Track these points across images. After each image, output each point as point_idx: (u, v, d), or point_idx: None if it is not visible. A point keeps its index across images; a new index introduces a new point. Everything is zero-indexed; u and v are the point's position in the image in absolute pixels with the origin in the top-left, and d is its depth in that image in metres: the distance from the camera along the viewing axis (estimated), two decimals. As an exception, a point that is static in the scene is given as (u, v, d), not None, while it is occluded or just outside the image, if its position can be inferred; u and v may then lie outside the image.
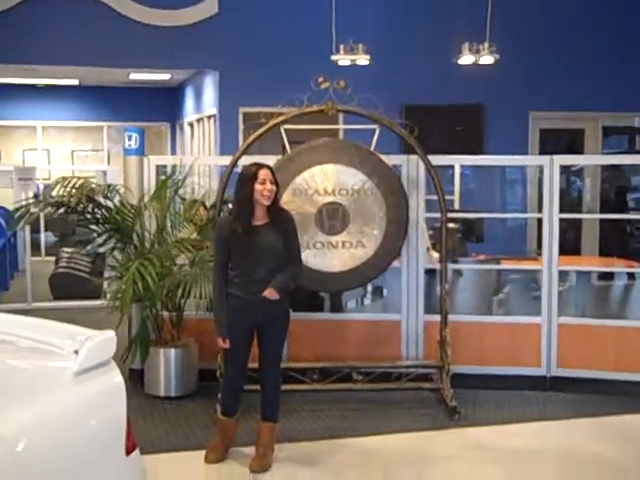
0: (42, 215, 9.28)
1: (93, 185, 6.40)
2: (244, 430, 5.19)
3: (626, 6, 10.91)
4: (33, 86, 13.79)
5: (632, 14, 10.94)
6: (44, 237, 13.25)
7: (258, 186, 4.67)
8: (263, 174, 4.71)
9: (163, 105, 14.55)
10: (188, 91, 13.31)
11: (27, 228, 9.85)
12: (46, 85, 13.79)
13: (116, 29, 10.22)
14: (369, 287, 7.69)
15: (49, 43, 10.20)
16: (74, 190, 6.11)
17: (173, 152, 14.74)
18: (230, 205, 6.63)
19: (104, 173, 10.54)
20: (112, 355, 2.98)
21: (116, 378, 2.93)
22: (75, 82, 13.51)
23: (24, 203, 6.64)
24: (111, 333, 2.98)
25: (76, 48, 10.28)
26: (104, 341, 2.93)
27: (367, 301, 8.33)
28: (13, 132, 15.18)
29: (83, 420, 2.76)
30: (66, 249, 10.84)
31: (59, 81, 13.39)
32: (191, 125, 12.93)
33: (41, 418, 2.58)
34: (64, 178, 6.26)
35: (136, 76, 12.38)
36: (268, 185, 4.70)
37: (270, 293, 4.73)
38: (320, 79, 5.91)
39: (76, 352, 2.83)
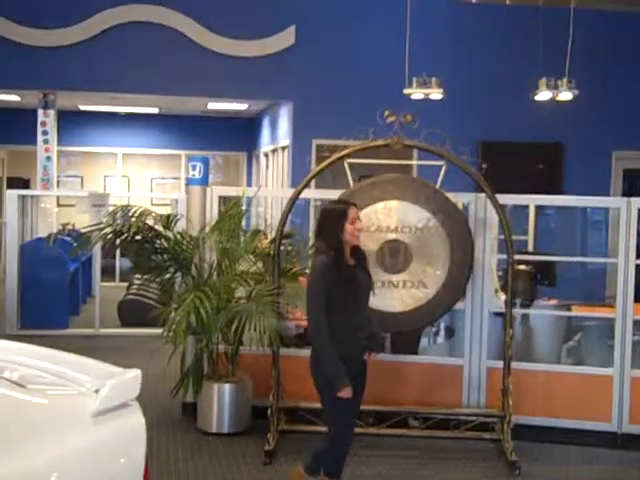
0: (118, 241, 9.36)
1: (153, 214, 6.35)
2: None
3: None
4: (115, 114, 14.03)
5: None
6: (119, 263, 13.36)
7: (348, 226, 4.43)
8: (353, 213, 4.48)
9: (241, 135, 14.62)
10: (265, 121, 13.34)
11: (98, 253, 9.95)
12: (127, 113, 14.00)
13: (195, 59, 10.31)
14: (441, 325, 7.46)
15: (131, 72, 10.35)
16: (134, 219, 6.07)
17: (249, 182, 14.77)
18: (290, 238, 6.56)
19: (176, 201, 10.56)
20: (136, 396, 2.84)
21: (138, 420, 2.78)
22: (155, 110, 13.70)
23: (86, 230, 6.64)
24: (136, 372, 2.84)
25: (157, 77, 10.41)
26: (128, 381, 2.79)
27: (440, 339, 8.09)
28: (96, 159, 15.45)
29: (97, 465, 2.61)
30: (138, 276, 10.89)
31: (140, 109, 13.58)
32: (266, 155, 12.92)
33: (51, 463, 2.44)
34: (123, 206, 6.23)
35: (214, 105, 12.47)
36: (358, 224, 4.50)
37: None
38: (386, 113, 5.75)
39: (97, 391, 2.70)
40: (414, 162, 9.33)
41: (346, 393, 4.35)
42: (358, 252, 4.58)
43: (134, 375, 2.82)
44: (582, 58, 8.74)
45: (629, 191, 10.67)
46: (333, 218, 4.48)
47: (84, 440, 2.59)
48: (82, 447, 2.57)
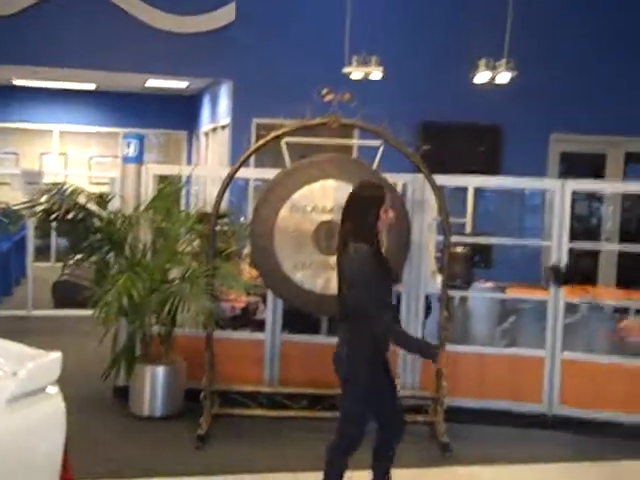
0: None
1: (85, 192, 6.19)
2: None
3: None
4: (51, 89, 13.68)
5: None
6: (55, 242, 13.07)
7: (383, 214, 4.15)
8: (387, 200, 4.19)
9: (181, 113, 14.39)
10: (205, 100, 13.15)
11: (30, 233, 9.71)
12: (64, 89, 13.67)
13: (132, 34, 10.07)
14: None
15: (67, 45, 10.07)
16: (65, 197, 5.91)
17: (189, 161, 14.58)
18: (226, 218, 6.47)
19: (113, 180, 10.36)
20: (55, 379, 2.74)
21: (57, 405, 2.69)
22: (92, 87, 13.39)
23: (17, 207, 6.45)
24: (56, 355, 2.74)
25: (93, 52, 10.14)
26: (47, 363, 2.69)
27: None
28: (31, 135, 15.07)
29: (13, 452, 2.51)
30: (72, 255, 10.66)
31: (76, 85, 13.27)
32: (206, 134, 12.76)
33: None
34: (56, 184, 6.06)
35: (153, 83, 12.24)
36: (390, 213, 4.21)
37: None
38: (324, 91, 5.67)
39: (14, 374, 2.59)
40: (354, 142, 9.28)
41: (443, 358, 4.21)
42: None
43: (54, 358, 2.72)
44: (521, 40, 8.74)
45: (566, 174, 10.77)
46: (371, 204, 4.14)
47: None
48: (-4, 434, 2.48)
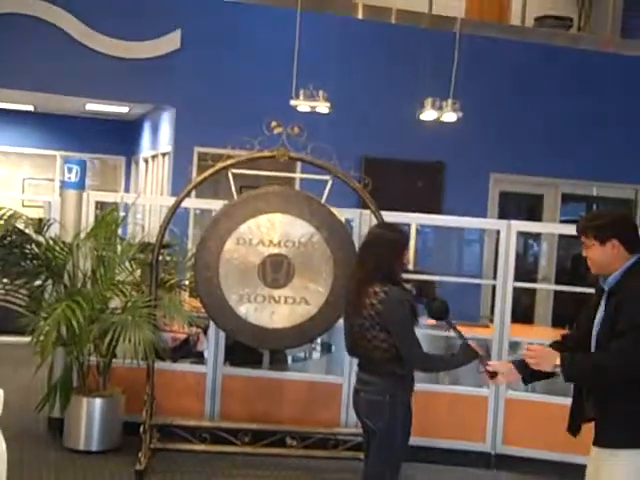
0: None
1: (23, 217, 6.00)
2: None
3: (591, 75, 10.87)
4: (-14, 109, 13.34)
5: (598, 83, 10.89)
6: (-16, 266, 12.67)
7: (403, 257, 4.16)
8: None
9: (120, 139, 14.14)
10: (146, 126, 12.97)
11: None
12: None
13: (74, 57, 9.86)
14: (318, 340, 7.39)
15: (5, 66, 9.82)
16: (2, 222, 5.72)
17: (127, 188, 14.34)
18: (169, 248, 6.35)
19: (49, 204, 10.12)
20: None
21: (-2, 447, 2.54)
22: (30, 108, 13.10)
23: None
24: (-3, 393, 2.59)
25: (31, 73, 9.92)
26: (-12, 403, 2.54)
27: (316, 354, 8.02)
28: (-37, 155, 14.67)
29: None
30: (5, 280, 10.34)
31: (13, 106, 12.96)
32: (146, 161, 12.57)
33: None
34: (-10, 209, 5.87)
35: (93, 107, 12.03)
36: (408, 256, 4.24)
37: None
38: (273, 124, 5.63)
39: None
40: (297, 175, 9.25)
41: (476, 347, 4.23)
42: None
43: (-4, 396, 2.58)
44: (466, 81, 8.87)
45: (502, 213, 10.93)
46: (395, 246, 4.11)
47: None
48: None
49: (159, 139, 11.47)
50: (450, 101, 8.05)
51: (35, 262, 6.00)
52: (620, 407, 3.38)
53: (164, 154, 10.87)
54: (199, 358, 6.67)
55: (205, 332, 6.36)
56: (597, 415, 3.49)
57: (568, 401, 5.92)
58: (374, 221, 5.90)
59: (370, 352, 4.00)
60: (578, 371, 3.42)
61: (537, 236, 11.39)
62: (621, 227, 3.50)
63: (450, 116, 8.16)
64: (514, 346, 6.31)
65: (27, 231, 6.02)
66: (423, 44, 9.62)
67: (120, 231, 6.40)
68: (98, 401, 5.81)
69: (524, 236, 11.33)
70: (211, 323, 5.97)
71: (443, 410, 6.04)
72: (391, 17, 10.87)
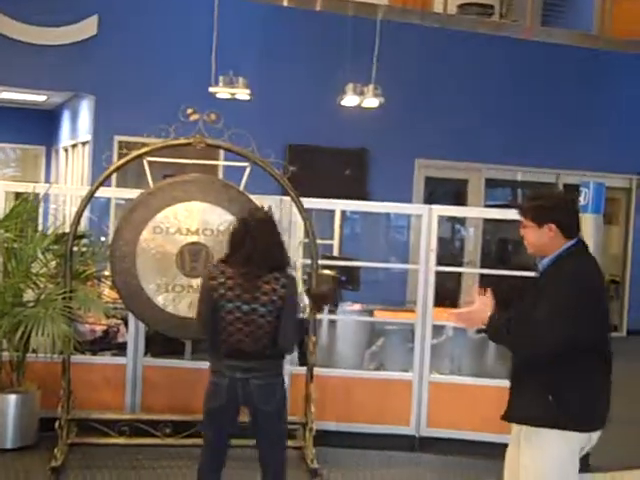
0: None
1: None
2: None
3: (514, 56, 11.00)
4: None
5: (519, 64, 11.02)
6: None
7: None
8: None
9: (39, 127, 13.77)
10: (65, 115, 12.66)
11: None
12: None
13: (-13, 44, 9.58)
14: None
15: None
16: None
17: (48, 178, 13.99)
18: (85, 239, 6.18)
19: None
20: None
21: None
22: (-60, 97, 12.66)
23: None
24: None
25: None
26: None
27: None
28: None
29: None
30: None
31: None
32: (66, 150, 12.27)
33: None
34: None
35: (8, 95, 11.67)
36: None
37: None
38: (189, 110, 5.51)
39: None
40: (220, 163, 9.12)
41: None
42: None
43: None
44: (388, 67, 8.87)
45: (429, 198, 11.00)
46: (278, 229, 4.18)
47: None
48: None
49: (78, 128, 11.21)
50: (371, 86, 8.03)
51: (-58, 255, 5.76)
52: (531, 384, 3.40)
53: (84, 143, 10.63)
54: (120, 350, 6.51)
55: (126, 323, 6.22)
56: (510, 390, 3.51)
57: (492, 382, 6.06)
58: (294, 208, 5.84)
59: (260, 337, 3.97)
60: (495, 330, 3.41)
61: (463, 221, 11.50)
62: (561, 211, 3.46)
63: (372, 101, 8.15)
64: (439, 330, 6.32)
65: None
66: (345, 31, 9.60)
67: (40, 222, 6.22)
68: (12, 397, 5.62)
69: (451, 221, 11.43)
70: (130, 314, 5.83)
71: (368, 395, 6.02)
72: (316, 4, 10.81)
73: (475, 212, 9.40)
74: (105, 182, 5.70)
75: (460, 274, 10.68)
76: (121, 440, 5.53)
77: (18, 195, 6.21)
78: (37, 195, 6.03)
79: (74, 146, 11.50)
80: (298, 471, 5.47)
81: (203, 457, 4.24)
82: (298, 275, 6.32)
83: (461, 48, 10.80)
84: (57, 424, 5.31)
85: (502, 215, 7.04)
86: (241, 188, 5.66)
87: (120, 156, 5.81)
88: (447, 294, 10.09)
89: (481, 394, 5.99)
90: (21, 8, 9.62)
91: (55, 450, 5.23)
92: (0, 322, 5.37)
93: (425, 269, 6.06)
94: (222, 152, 8.84)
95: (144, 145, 5.56)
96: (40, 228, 6.22)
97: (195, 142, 5.56)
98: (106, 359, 6.20)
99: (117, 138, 9.59)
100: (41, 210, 6.63)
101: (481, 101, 10.82)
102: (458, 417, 5.97)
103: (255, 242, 3.96)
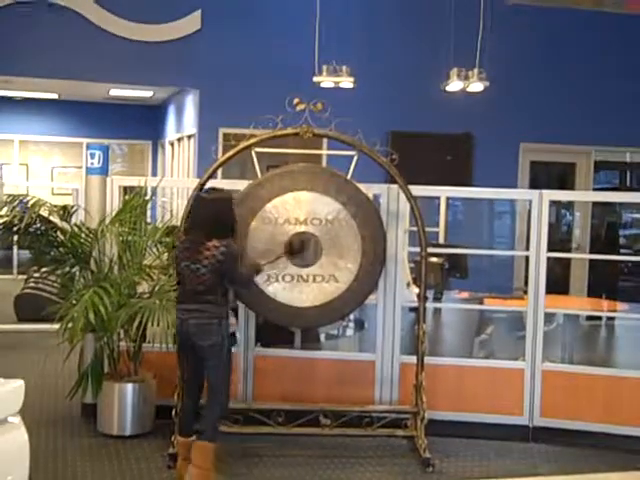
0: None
1: (47, 205, 5.97)
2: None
3: (622, 41, 10.61)
4: (11, 98, 13.37)
5: (629, 48, 10.63)
6: (17, 254, 12.75)
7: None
8: None
9: (146, 123, 14.14)
10: (170, 109, 12.94)
11: (-9, 246, 9.44)
12: (25, 98, 13.36)
13: (96, 43, 9.84)
14: (351, 317, 7.32)
15: (26, 54, 9.81)
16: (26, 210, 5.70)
17: (154, 172, 14.34)
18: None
19: (77, 192, 10.15)
20: (17, 409, 2.54)
21: (20, 437, 2.49)
22: (54, 96, 13.11)
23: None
24: (18, 383, 2.54)
25: (54, 61, 9.90)
26: (7, 394, 2.49)
27: (349, 331, 7.95)
28: (-9, 145, 14.73)
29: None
30: (35, 268, 10.38)
31: (38, 94, 12.98)
32: (172, 144, 12.54)
33: None
34: (15, 196, 5.84)
35: (117, 92, 12.00)
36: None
37: None
38: (296, 100, 5.53)
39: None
40: (324, 152, 9.14)
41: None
42: None
43: (15, 387, 2.52)
44: (493, 50, 8.68)
45: (533, 183, 10.76)
46: (232, 207, 5.09)
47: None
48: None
49: (184, 122, 11.42)
50: (476, 70, 7.87)
51: (61, 249, 5.97)
52: None
53: (189, 136, 10.83)
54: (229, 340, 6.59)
55: (236, 313, 6.29)
56: None
57: (606, 371, 5.89)
58: (402, 196, 5.79)
59: (199, 287, 4.89)
60: None
61: (570, 205, 11.21)
62: None
63: (477, 86, 7.99)
64: (550, 315, 6.17)
65: (52, 218, 5.99)
66: (447, 12, 9.44)
67: (149, 215, 6.37)
68: (130, 386, 5.78)
69: (557, 205, 11.15)
70: (241, 304, 5.90)
71: (478, 384, 5.93)
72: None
73: (588, 196, 9.13)
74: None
75: (569, 260, 10.42)
76: (234, 429, 5.60)
77: (126, 189, 6.36)
78: (149, 189, 6.16)
79: (179, 140, 11.73)
80: (410, 460, 5.46)
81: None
82: (405, 264, 6.28)
83: (568, 27, 10.49)
84: (173, 412, 5.42)
85: (618, 198, 6.80)
86: (348, 177, 5.65)
87: (225, 148, 5.87)
88: (556, 280, 9.90)
89: (595, 383, 5.83)
90: (126, 6, 9.86)
91: (172, 437, 5.34)
92: (118, 313, 5.51)
93: (536, 255, 5.93)
94: (324, 141, 8.94)
95: (252, 136, 5.60)
96: (149, 221, 6.37)
97: (302, 132, 5.58)
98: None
99: (222, 130, 9.72)
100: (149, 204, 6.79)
101: (590, 82, 10.49)
102: (574, 407, 5.82)
103: (199, 215, 5.00)
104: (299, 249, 5.53)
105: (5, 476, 2.45)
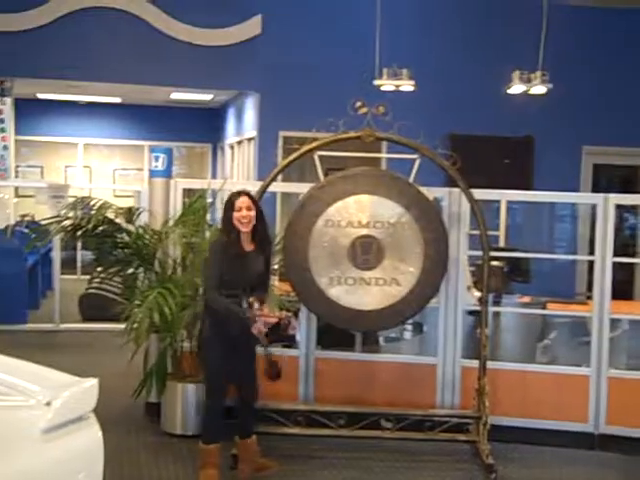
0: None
1: (113, 207, 6.07)
2: None
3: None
4: (76, 103, 13.64)
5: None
6: (80, 255, 13.00)
7: (235, 213, 4.81)
8: (240, 202, 4.81)
9: (205, 126, 14.30)
10: (230, 112, 13.06)
11: (57, 246, 9.63)
12: (89, 102, 13.63)
13: (158, 47, 10.01)
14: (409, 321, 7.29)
15: (91, 59, 10.02)
16: (93, 212, 5.80)
17: (214, 174, 14.48)
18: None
19: (139, 193, 10.30)
20: (92, 407, 2.59)
21: (94, 435, 2.54)
22: (117, 100, 13.35)
23: (45, 222, 6.36)
24: (93, 382, 2.59)
25: (118, 65, 10.11)
26: (83, 392, 2.54)
27: (407, 334, 7.92)
28: (56, 148, 15.03)
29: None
30: (100, 269, 10.56)
31: (101, 98, 13.23)
32: (232, 147, 12.65)
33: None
34: (83, 198, 5.95)
35: (178, 95, 12.17)
36: (244, 212, 4.79)
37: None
38: (358, 104, 5.54)
39: (48, 403, 2.45)
40: (382, 155, 9.13)
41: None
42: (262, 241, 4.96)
43: (91, 385, 2.57)
44: (554, 52, 8.59)
45: (595, 186, 10.59)
46: (225, 207, 4.92)
47: (35, 458, 2.34)
48: (32, 466, 2.32)
49: (244, 125, 11.51)
50: (539, 73, 7.78)
51: (126, 251, 6.07)
52: None
53: (249, 139, 10.91)
54: (290, 342, 6.63)
55: (296, 316, 6.31)
56: None
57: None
58: (464, 199, 5.76)
59: None
60: None
61: (633, 209, 10.99)
62: None
63: (539, 88, 7.91)
64: (615, 322, 6.07)
65: (117, 220, 6.10)
66: (509, 14, 9.36)
67: (208, 217, 6.43)
68: (192, 386, 5.85)
69: (619, 209, 10.94)
70: (302, 307, 5.93)
71: (542, 390, 5.87)
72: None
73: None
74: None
75: (632, 265, 10.23)
76: (296, 430, 5.64)
77: (188, 192, 6.43)
78: (212, 191, 6.23)
79: (239, 143, 11.83)
80: (472, 465, 5.42)
81: None
82: (464, 267, 6.23)
83: (631, 28, 10.31)
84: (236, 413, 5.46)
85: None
86: (411, 180, 5.64)
87: (285, 151, 5.90)
88: (620, 286, 9.72)
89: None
90: (188, 11, 10.00)
91: (235, 438, 5.38)
92: (181, 314, 5.58)
93: (602, 260, 5.84)
94: (383, 144, 8.93)
95: (314, 140, 5.62)
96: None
97: (364, 135, 5.58)
98: (279, 351, 6.30)
99: (282, 134, 9.79)
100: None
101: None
102: (639, 414, 5.72)
103: None
104: (277, 374, 5.49)
105: (78, 473, 2.50)
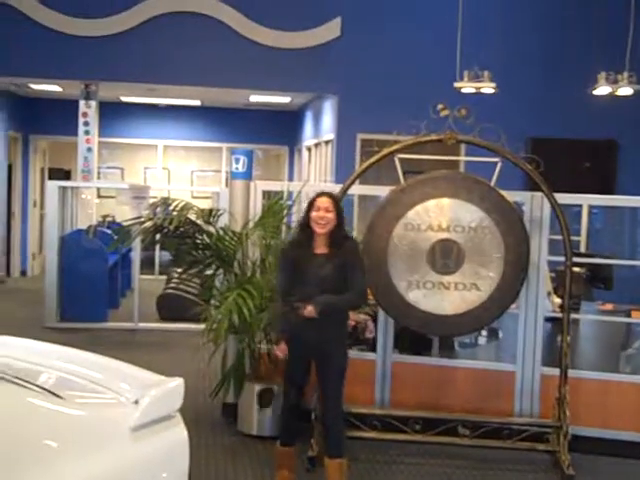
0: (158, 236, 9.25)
1: (195, 209, 6.15)
2: None
3: None
4: (156, 106, 13.89)
5: None
6: (159, 255, 13.24)
7: (313, 213, 4.67)
8: (319, 202, 4.69)
9: (283, 128, 14.37)
10: (308, 115, 13.11)
11: (137, 247, 9.81)
12: (169, 105, 13.86)
13: (237, 50, 10.13)
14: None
15: (172, 63, 10.20)
16: (175, 213, 5.88)
17: (291, 176, 14.56)
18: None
19: (217, 195, 10.40)
20: (178, 406, 2.62)
21: (180, 434, 2.57)
22: (197, 103, 13.53)
23: (127, 223, 6.47)
24: (178, 381, 2.63)
25: (198, 69, 10.26)
26: (170, 391, 2.58)
27: (482, 340, 7.83)
28: (136, 150, 15.34)
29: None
30: (177, 269, 10.74)
31: (181, 101, 13.43)
32: (309, 150, 12.69)
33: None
34: (164, 199, 6.04)
35: (256, 98, 12.27)
36: (321, 213, 4.64)
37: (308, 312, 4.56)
38: (440, 106, 5.49)
39: (136, 402, 2.49)
40: (461, 158, 9.04)
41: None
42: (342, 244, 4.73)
43: (177, 385, 2.61)
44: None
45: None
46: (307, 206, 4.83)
47: (123, 456, 2.38)
48: (121, 464, 2.36)
49: (322, 127, 11.54)
50: (626, 74, 7.59)
51: (206, 252, 6.12)
52: None
53: (327, 142, 10.93)
54: (366, 345, 6.62)
55: (374, 319, 6.30)
56: None
57: None
58: (546, 204, 5.66)
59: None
60: None
61: None
62: None
63: (626, 90, 7.71)
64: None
65: (198, 222, 6.16)
66: (594, 15, 9.16)
67: (285, 220, 6.45)
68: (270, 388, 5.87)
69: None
70: (379, 310, 5.91)
71: (627, 400, 5.72)
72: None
73: None
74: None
75: None
76: (373, 434, 5.61)
77: (267, 194, 6.47)
78: (291, 193, 6.26)
79: (317, 145, 11.86)
80: (552, 476, 5.32)
81: None
82: (545, 273, 6.12)
83: None
84: (312, 415, 5.48)
85: None
86: (492, 184, 5.57)
87: (363, 154, 5.87)
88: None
89: None
90: (267, 14, 10.09)
91: (312, 440, 5.39)
92: (260, 316, 5.62)
93: (690, 268, 5.67)
94: (462, 147, 8.84)
95: (395, 142, 5.59)
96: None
97: (446, 138, 5.53)
98: (356, 354, 6.29)
99: (360, 136, 9.78)
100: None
101: None
102: None
103: None
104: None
105: (163, 472, 2.54)
